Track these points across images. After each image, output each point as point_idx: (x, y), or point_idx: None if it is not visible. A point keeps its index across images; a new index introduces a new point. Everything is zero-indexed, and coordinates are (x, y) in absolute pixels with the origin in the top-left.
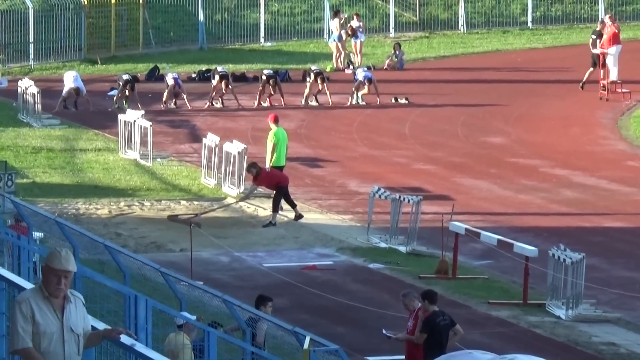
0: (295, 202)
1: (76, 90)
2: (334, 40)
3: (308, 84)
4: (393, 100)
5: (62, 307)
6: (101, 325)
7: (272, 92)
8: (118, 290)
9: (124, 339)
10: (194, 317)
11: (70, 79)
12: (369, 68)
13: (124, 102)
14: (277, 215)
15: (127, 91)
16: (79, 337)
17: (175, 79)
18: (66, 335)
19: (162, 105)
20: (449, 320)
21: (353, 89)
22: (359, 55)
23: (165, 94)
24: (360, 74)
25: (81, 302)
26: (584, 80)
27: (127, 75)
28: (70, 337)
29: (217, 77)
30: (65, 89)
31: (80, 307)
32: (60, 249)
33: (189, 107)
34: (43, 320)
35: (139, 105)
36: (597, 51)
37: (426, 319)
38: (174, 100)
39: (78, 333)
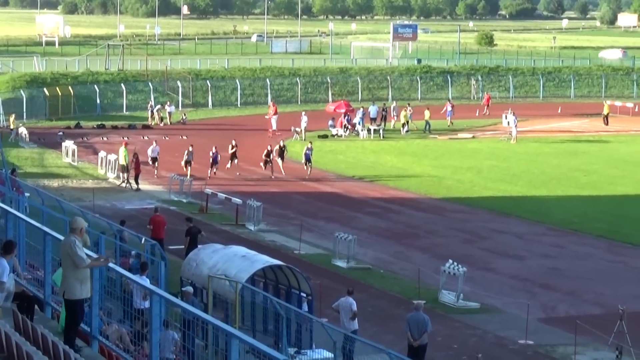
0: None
1: (153, 160)
2: (158, 110)
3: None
4: (185, 137)
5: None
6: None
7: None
8: (60, 217)
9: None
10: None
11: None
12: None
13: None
14: (136, 188)
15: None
16: None
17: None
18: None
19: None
20: (198, 230)
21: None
22: (169, 118)
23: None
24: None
25: None
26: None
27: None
28: None
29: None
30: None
31: None
32: (75, 217)
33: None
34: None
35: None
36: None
37: (187, 229)
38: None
39: None
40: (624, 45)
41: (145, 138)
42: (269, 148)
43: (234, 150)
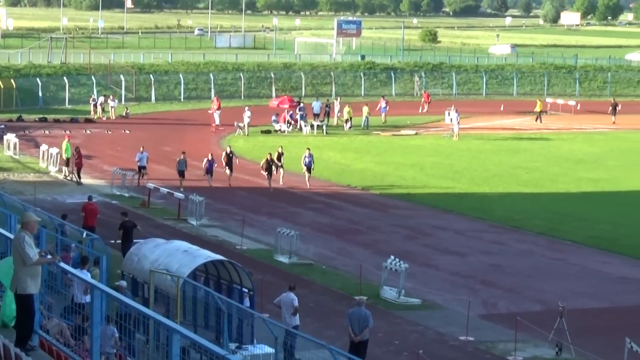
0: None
1: (140, 168)
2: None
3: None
4: (128, 131)
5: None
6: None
7: None
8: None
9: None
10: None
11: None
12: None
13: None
14: (78, 181)
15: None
16: None
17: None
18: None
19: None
20: (132, 224)
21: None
22: (112, 111)
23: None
24: None
25: None
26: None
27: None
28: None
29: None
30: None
31: None
32: (25, 212)
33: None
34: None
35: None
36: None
37: (121, 223)
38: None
39: None
40: (567, 44)
41: (88, 132)
42: (268, 157)
43: (229, 157)
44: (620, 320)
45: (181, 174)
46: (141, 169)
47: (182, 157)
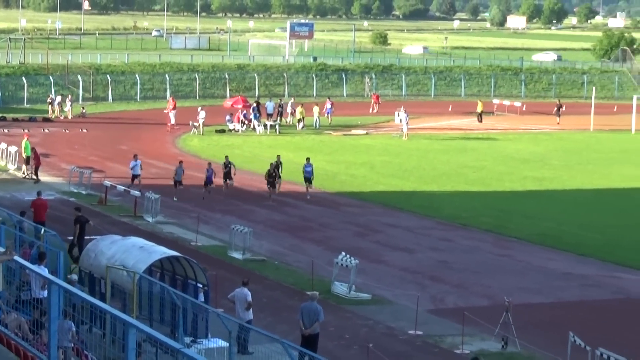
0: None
1: (134, 177)
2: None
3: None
4: (85, 130)
5: None
6: None
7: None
8: None
9: (17, 258)
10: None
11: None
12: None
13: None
14: (36, 179)
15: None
16: None
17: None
18: None
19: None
20: (86, 219)
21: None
22: (70, 111)
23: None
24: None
25: None
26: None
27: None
28: None
29: None
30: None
31: None
32: None
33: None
34: None
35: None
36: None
37: (76, 218)
38: None
39: None
40: (513, 46)
41: (46, 131)
42: (271, 166)
43: (227, 169)
44: (564, 314)
45: (179, 183)
46: (135, 177)
47: (179, 165)
